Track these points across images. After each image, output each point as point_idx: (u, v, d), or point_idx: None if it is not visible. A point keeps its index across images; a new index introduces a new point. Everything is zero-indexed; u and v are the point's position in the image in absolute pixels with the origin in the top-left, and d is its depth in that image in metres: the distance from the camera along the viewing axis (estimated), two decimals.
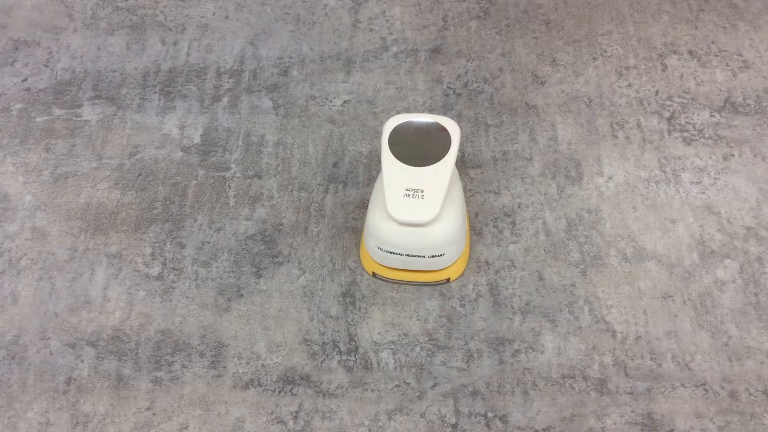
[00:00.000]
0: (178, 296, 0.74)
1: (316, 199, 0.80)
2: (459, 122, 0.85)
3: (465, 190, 0.80)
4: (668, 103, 0.86)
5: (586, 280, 0.74)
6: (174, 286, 0.75)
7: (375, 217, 0.70)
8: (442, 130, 0.71)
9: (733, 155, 0.82)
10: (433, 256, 0.70)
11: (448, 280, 0.74)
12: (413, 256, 0.70)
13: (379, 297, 0.74)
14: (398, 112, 0.86)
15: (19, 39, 0.94)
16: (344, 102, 0.87)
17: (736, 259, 0.75)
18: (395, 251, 0.70)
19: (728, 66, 0.89)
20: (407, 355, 0.70)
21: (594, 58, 0.90)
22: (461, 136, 0.79)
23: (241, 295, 0.74)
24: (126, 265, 0.76)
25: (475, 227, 0.78)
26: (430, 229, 0.68)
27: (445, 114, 0.86)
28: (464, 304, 0.73)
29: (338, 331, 0.72)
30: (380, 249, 0.71)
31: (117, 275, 0.76)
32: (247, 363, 0.70)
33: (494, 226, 0.78)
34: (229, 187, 0.81)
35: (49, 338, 0.72)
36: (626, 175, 0.81)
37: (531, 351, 0.70)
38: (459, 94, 0.88)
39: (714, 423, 0.66)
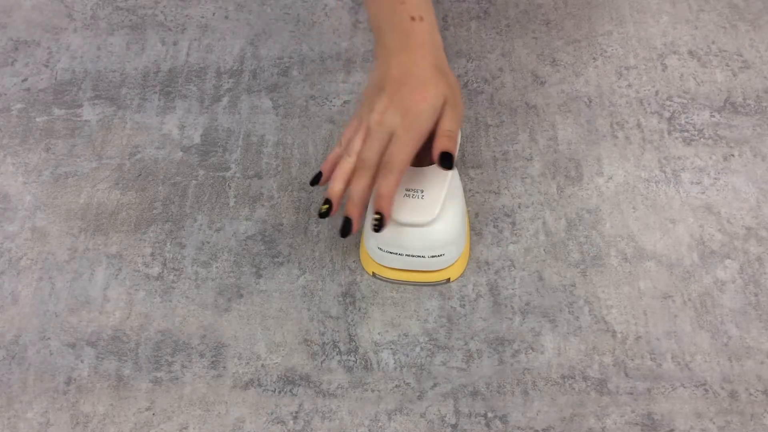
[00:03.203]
0: (178, 296, 0.74)
1: (316, 199, 0.80)
2: None
3: (465, 190, 0.80)
4: (668, 103, 0.86)
5: (586, 280, 0.74)
6: (174, 286, 0.75)
7: None
8: None
9: (733, 155, 0.82)
10: (433, 256, 0.70)
11: (448, 280, 0.74)
12: (413, 256, 0.70)
13: (379, 297, 0.74)
14: None
15: (19, 39, 0.94)
16: (344, 102, 0.87)
17: (736, 259, 0.75)
18: (395, 251, 0.70)
19: (728, 66, 0.89)
20: (407, 355, 0.70)
21: (594, 58, 0.90)
22: (461, 136, 0.79)
23: (241, 295, 0.74)
24: (126, 265, 0.76)
25: (475, 227, 0.78)
26: (430, 229, 0.68)
27: None
28: (464, 304, 0.73)
29: (338, 331, 0.72)
30: (380, 249, 0.71)
31: (117, 275, 0.76)
32: (247, 363, 0.70)
33: (494, 226, 0.78)
34: (229, 187, 0.81)
35: (49, 338, 0.72)
36: (626, 175, 0.81)
37: (531, 351, 0.70)
38: None
39: (714, 423, 0.66)
